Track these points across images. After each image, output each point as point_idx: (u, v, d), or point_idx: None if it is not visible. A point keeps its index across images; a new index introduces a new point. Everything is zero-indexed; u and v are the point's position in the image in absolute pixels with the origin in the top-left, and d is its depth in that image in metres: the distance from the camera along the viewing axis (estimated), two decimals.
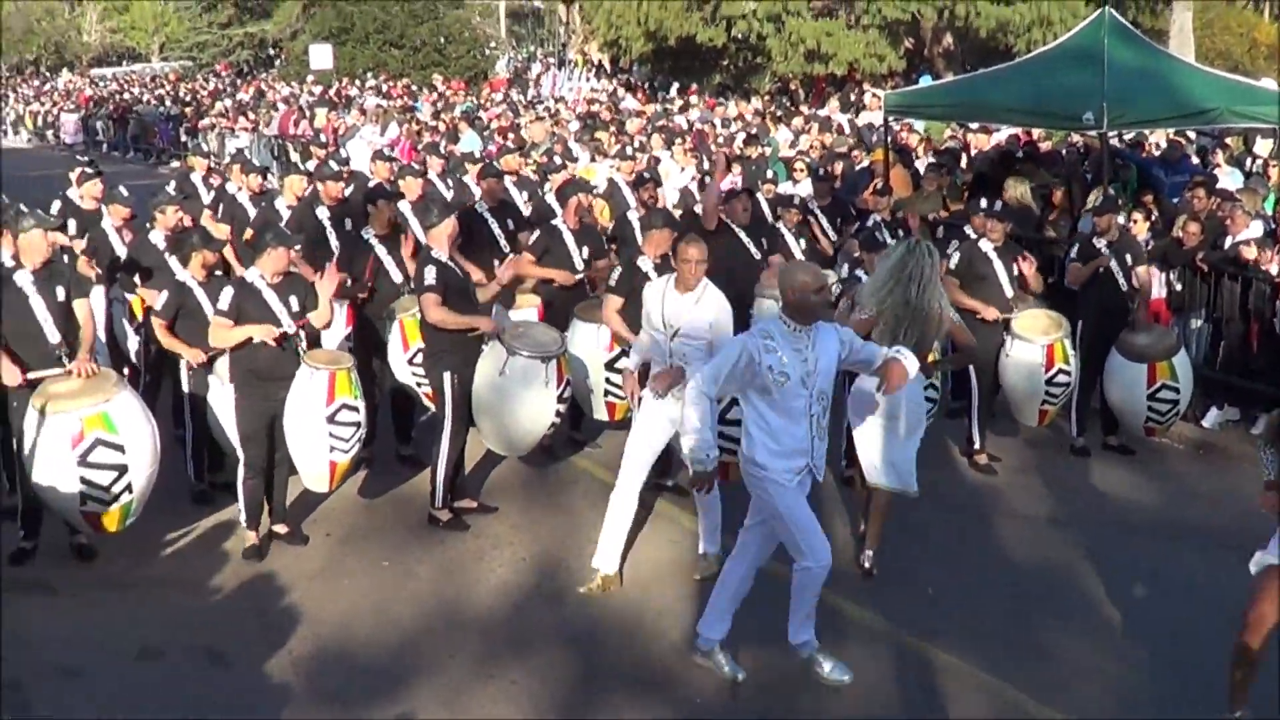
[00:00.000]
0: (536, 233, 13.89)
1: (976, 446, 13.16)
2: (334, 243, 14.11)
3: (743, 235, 14.26)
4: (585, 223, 14.07)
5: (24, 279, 10.55)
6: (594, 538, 11.17)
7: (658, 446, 10.45)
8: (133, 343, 13.49)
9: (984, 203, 14.17)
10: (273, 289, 10.83)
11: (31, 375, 10.30)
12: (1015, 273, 13.18)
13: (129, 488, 10.09)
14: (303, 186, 15.68)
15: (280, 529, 11.31)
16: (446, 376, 11.32)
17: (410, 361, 12.18)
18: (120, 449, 10.00)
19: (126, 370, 13.00)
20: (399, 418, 13.18)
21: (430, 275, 11.17)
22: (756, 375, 8.32)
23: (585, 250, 13.56)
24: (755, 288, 13.93)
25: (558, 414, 11.75)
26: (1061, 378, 13.04)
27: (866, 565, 10.67)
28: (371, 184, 16.93)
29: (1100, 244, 13.67)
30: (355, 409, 10.92)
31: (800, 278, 8.42)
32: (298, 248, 11.48)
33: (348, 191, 15.88)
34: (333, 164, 16.33)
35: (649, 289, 10.41)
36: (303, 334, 10.98)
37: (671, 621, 9.85)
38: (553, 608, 10.14)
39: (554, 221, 13.96)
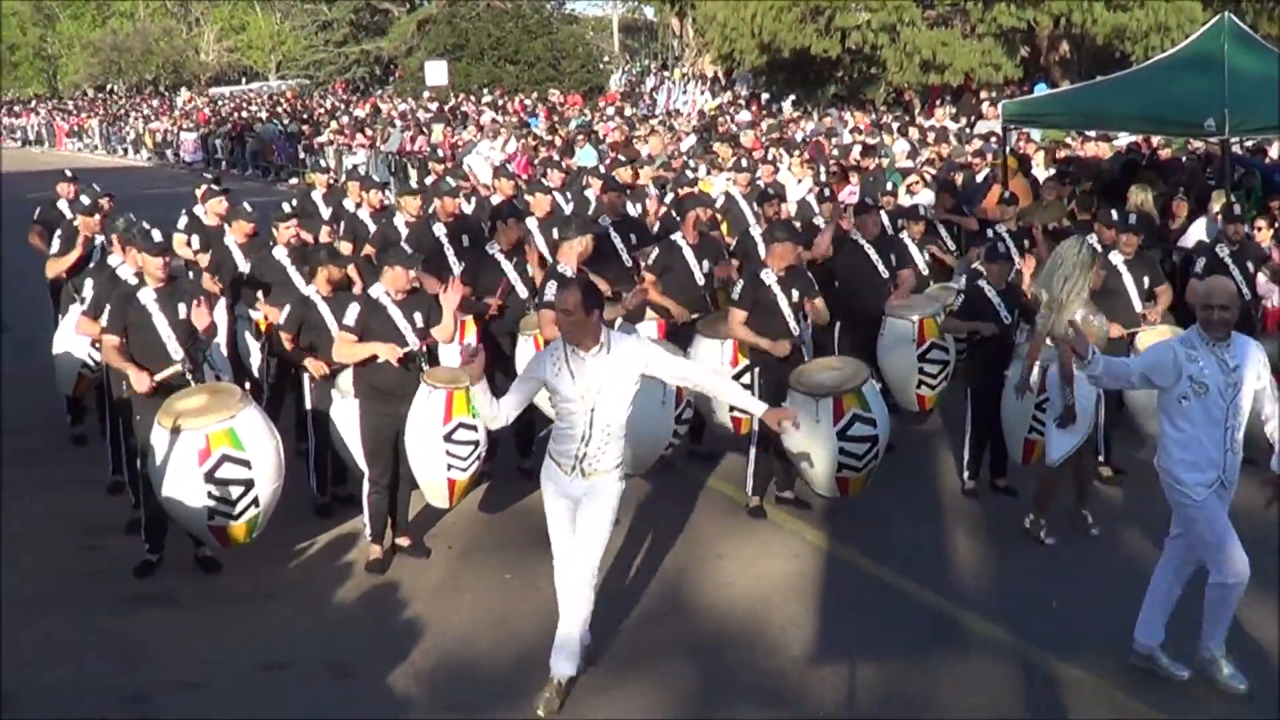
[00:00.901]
0: (656, 250, 13.80)
1: (1100, 459, 12.93)
2: (451, 258, 14.12)
3: (870, 251, 14.06)
4: (706, 236, 13.95)
5: (147, 296, 10.71)
6: (715, 550, 11.27)
7: (567, 529, 9.16)
8: (255, 358, 13.59)
9: (1114, 214, 13.89)
10: (398, 305, 10.86)
11: (159, 376, 10.41)
12: (1146, 286, 12.98)
13: (255, 501, 10.23)
14: (417, 205, 15.62)
15: (403, 541, 11.36)
16: None
17: None
18: (247, 464, 10.12)
19: (249, 385, 13.09)
20: (519, 430, 13.13)
21: (551, 292, 11.19)
22: (1177, 382, 8.42)
23: (705, 264, 13.46)
24: (885, 307, 13.78)
25: (675, 434, 11.80)
26: None
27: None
28: (494, 200, 16.98)
29: (1224, 253, 13.44)
30: (473, 428, 10.89)
31: (1202, 291, 8.65)
32: (415, 270, 11.43)
33: (467, 207, 15.93)
34: (450, 180, 16.29)
35: (543, 361, 8.86)
36: (425, 351, 11.01)
37: (794, 635, 9.78)
38: (673, 620, 10.11)
39: (673, 237, 13.83)
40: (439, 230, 14.52)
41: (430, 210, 15.39)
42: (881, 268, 13.92)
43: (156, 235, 11.26)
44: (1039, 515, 11.42)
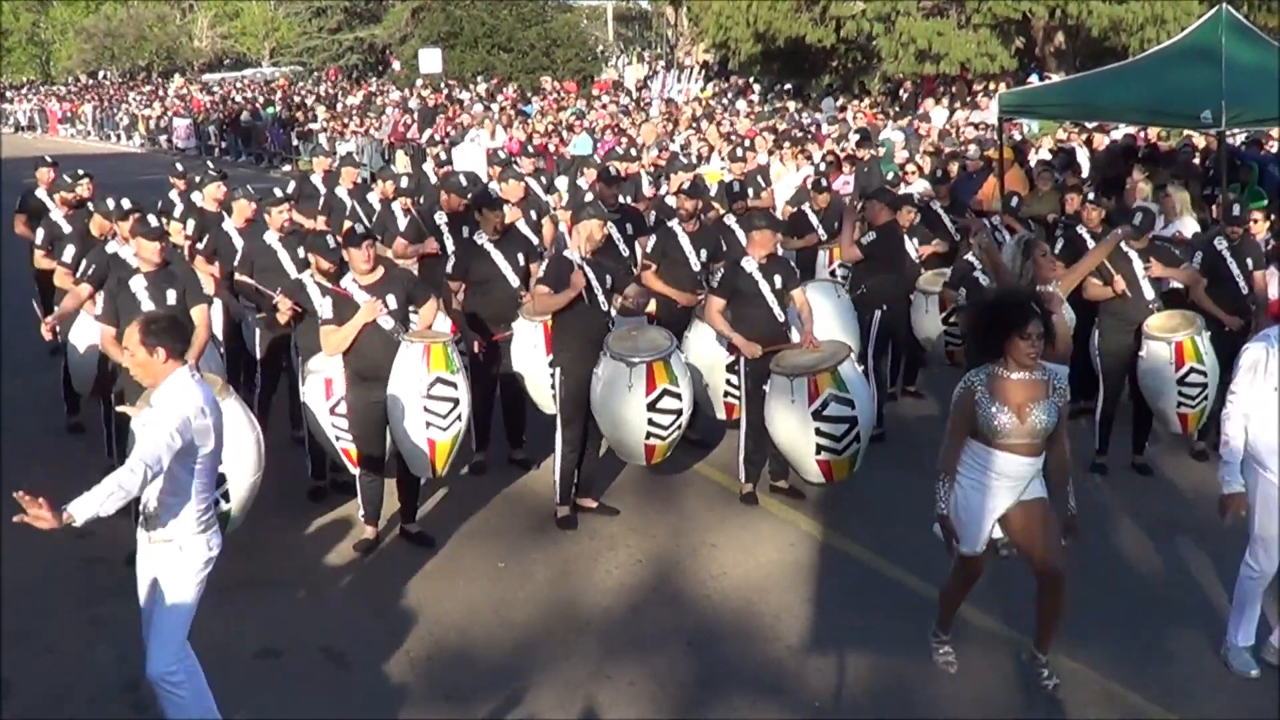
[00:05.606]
0: (653, 238, 13.82)
1: (1098, 448, 12.91)
2: (451, 249, 14.10)
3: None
4: (703, 224, 13.90)
5: (138, 284, 10.82)
6: (708, 539, 11.28)
7: None
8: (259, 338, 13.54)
9: (1139, 216, 13.63)
10: (366, 290, 10.80)
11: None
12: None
13: (225, 496, 9.93)
14: (391, 188, 16.35)
15: (410, 528, 11.38)
16: (556, 373, 11.46)
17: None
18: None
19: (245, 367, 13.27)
20: (511, 421, 13.19)
21: (541, 269, 11.49)
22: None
23: (703, 252, 13.45)
24: None
25: (653, 424, 11.33)
26: (1194, 377, 12.34)
27: None
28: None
29: (1221, 246, 13.34)
30: (452, 384, 10.75)
31: None
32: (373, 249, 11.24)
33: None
34: (462, 178, 16.21)
35: None
36: (402, 328, 10.94)
37: (788, 624, 9.79)
38: (669, 609, 10.11)
39: (670, 224, 13.84)
40: (440, 220, 14.50)
41: (434, 201, 15.45)
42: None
43: (152, 220, 11.22)
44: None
